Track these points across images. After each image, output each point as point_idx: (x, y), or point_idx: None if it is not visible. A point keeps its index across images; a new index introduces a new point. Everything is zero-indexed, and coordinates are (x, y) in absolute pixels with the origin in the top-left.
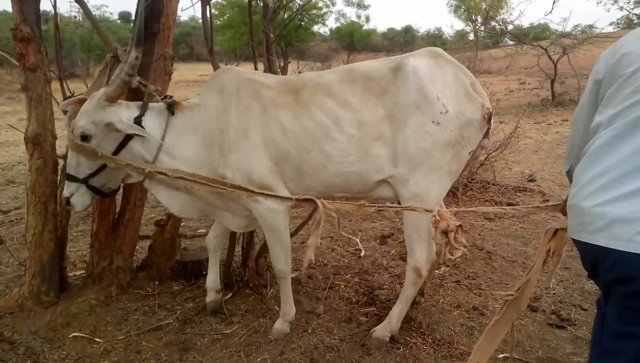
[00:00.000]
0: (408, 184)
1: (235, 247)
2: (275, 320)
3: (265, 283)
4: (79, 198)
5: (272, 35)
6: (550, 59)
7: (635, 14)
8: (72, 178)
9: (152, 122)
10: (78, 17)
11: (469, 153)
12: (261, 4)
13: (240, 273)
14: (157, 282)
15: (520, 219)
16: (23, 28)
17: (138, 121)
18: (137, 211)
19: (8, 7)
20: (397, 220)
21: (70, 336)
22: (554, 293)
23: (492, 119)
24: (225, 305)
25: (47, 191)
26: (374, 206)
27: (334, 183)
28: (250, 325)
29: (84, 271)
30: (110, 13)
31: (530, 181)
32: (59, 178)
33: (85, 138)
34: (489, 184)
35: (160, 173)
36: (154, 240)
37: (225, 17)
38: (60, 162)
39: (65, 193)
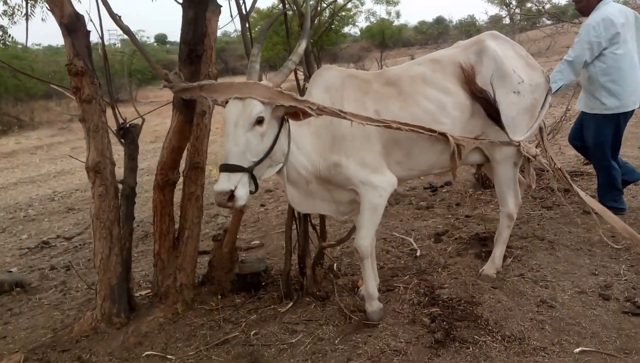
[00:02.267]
0: (501, 148)
1: (292, 256)
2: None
3: (325, 290)
4: (242, 190)
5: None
6: None
7: None
8: (236, 168)
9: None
10: (116, 44)
11: (539, 111)
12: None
13: (298, 281)
14: (219, 296)
15: (580, 206)
16: (76, 62)
17: None
18: (194, 228)
19: (51, 41)
20: (449, 216)
21: (144, 355)
22: (625, 280)
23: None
24: (288, 314)
25: (111, 216)
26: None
27: (437, 160)
28: (314, 333)
29: (149, 291)
30: (147, 37)
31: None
32: (119, 202)
33: (260, 121)
34: (543, 171)
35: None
36: (213, 255)
37: (256, 29)
38: (120, 187)
39: (228, 185)
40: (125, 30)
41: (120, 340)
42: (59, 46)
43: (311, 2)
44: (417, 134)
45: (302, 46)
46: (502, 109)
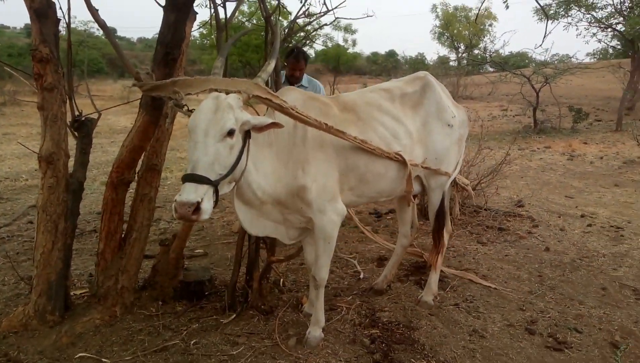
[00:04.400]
0: (437, 177)
1: (240, 268)
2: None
3: (269, 304)
4: (208, 203)
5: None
6: (533, 87)
7: (612, 46)
8: (203, 180)
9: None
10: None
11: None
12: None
13: (243, 293)
14: (160, 302)
15: (512, 244)
16: (42, 49)
17: None
18: (143, 230)
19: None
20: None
21: (77, 356)
22: (549, 317)
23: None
24: (230, 326)
25: (59, 209)
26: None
27: (387, 187)
28: (256, 347)
29: (85, 290)
30: (97, 29)
31: (519, 206)
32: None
33: (231, 133)
34: (480, 209)
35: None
36: (158, 260)
37: (212, 37)
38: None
39: (195, 197)
40: (102, 24)
41: (53, 339)
42: None
43: (284, 23)
44: (372, 161)
45: (271, 65)
46: (439, 140)
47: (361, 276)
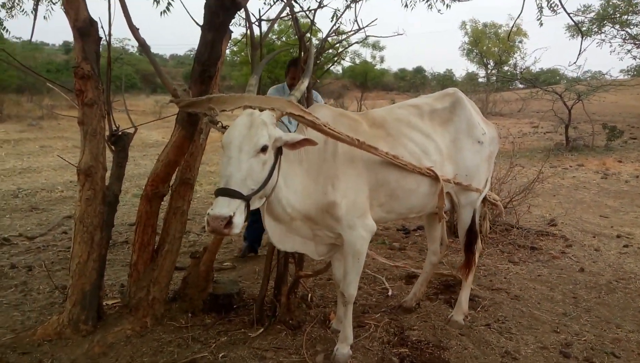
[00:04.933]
0: (466, 193)
1: (268, 282)
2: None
3: (297, 319)
4: (240, 218)
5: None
6: (565, 105)
7: None
8: (236, 194)
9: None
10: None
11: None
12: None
13: (271, 307)
14: (189, 314)
15: (545, 264)
16: (84, 66)
17: None
18: (175, 243)
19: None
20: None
21: None
22: (584, 340)
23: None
24: (258, 340)
25: (95, 221)
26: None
27: (418, 204)
28: (283, 362)
29: (117, 300)
30: (132, 46)
31: (552, 225)
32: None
33: (264, 149)
34: (511, 227)
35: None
36: (189, 272)
37: (243, 54)
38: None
39: (228, 211)
40: (142, 42)
41: (85, 348)
42: (38, 42)
43: (315, 42)
44: (403, 176)
45: (305, 83)
46: (469, 157)
47: (389, 293)
